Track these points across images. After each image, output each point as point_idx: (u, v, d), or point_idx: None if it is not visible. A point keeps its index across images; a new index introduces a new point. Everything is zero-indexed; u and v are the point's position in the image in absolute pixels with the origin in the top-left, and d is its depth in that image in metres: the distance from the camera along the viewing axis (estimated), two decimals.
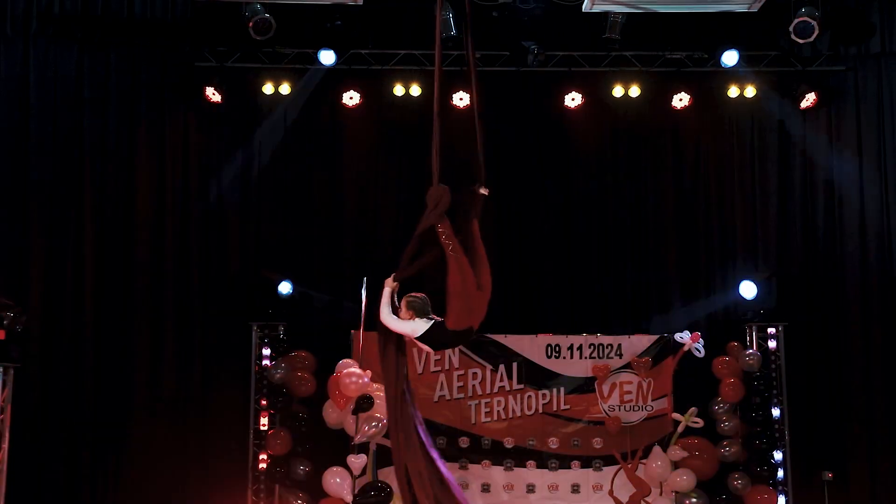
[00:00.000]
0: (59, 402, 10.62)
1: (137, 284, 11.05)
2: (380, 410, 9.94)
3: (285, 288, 11.00)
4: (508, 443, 10.89)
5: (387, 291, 6.76)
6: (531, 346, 11.01)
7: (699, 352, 10.90)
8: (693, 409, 10.76)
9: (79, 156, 10.97)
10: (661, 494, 10.73)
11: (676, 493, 10.67)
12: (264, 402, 10.78)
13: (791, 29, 10.30)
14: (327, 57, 11.01)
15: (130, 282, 11.04)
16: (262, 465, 10.64)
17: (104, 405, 10.77)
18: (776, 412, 10.88)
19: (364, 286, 9.76)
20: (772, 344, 11.07)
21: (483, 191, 6.94)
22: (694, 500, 10.58)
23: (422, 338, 6.74)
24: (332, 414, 10.30)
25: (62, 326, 10.75)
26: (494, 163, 11.43)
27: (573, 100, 11.35)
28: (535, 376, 10.97)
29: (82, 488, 10.66)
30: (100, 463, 10.74)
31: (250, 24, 10.29)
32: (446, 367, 10.95)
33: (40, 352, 10.57)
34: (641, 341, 11.06)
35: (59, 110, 10.93)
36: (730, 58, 11.00)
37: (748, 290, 11.06)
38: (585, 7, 9.94)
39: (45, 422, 10.55)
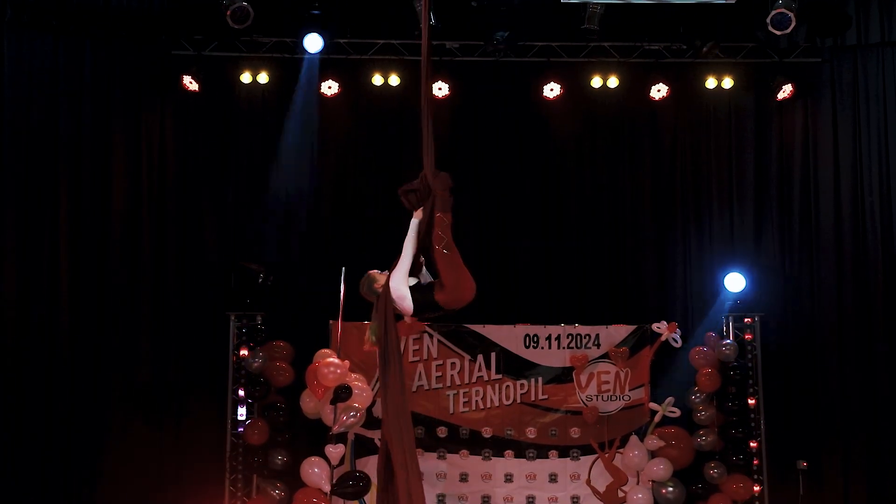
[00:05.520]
0: (34, 395, 10.52)
1: (113, 276, 10.98)
2: (358, 400, 9.95)
3: None
4: (486, 432, 10.91)
5: (414, 223, 6.27)
6: (509, 336, 11.01)
7: (676, 342, 10.96)
8: (670, 399, 10.82)
9: (53, 146, 10.84)
10: (637, 483, 10.78)
11: (653, 482, 10.72)
12: (242, 392, 10.74)
13: (768, 20, 10.34)
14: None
15: (106, 273, 10.95)
16: (240, 455, 10.62)
17: (80, 398, 10.69)
18: (752, 402, 10.93)
19: (342, 276, 9.76)
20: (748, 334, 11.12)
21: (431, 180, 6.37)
22: (670, 488, 10.64)
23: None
24: (309, 403, 10.29)
25: (37, 319, 10.63)
26: (473, 153, 11.64)
27: (552, 90, 11.35)
28: (514, 366, 10.98)
29: (59, 479, 10.60)
30: (76, 454, 10.66)
31: (228, 12, 10.23)
32: (425, 357, 10.95)
33: (14, 344, 10.47)
34: (619, 331, 11.09)
35: (33, 100, 10.80)
36: None
37: (733, 282, 11.05)
38: None
39: (20, 416, 10.46)
